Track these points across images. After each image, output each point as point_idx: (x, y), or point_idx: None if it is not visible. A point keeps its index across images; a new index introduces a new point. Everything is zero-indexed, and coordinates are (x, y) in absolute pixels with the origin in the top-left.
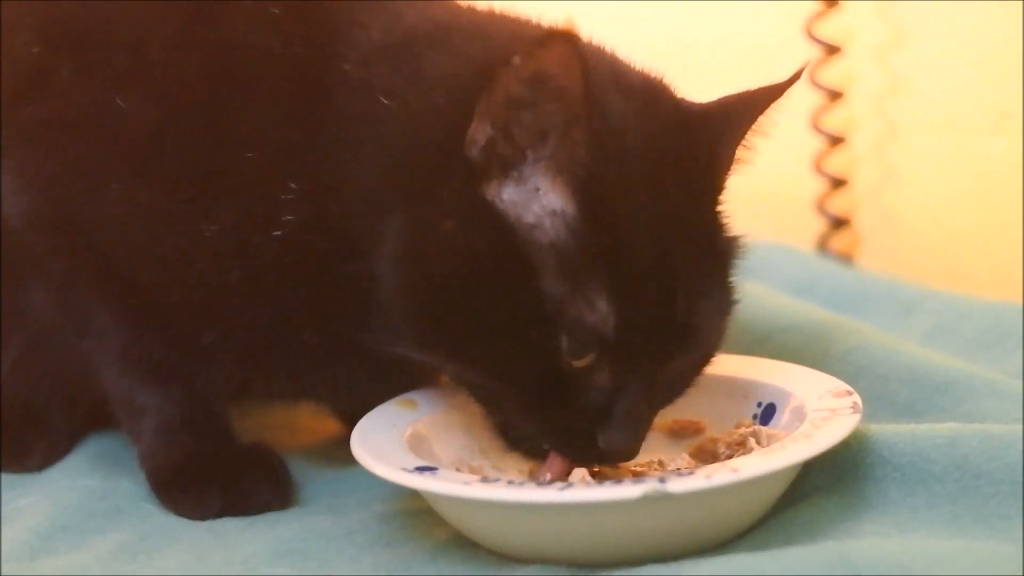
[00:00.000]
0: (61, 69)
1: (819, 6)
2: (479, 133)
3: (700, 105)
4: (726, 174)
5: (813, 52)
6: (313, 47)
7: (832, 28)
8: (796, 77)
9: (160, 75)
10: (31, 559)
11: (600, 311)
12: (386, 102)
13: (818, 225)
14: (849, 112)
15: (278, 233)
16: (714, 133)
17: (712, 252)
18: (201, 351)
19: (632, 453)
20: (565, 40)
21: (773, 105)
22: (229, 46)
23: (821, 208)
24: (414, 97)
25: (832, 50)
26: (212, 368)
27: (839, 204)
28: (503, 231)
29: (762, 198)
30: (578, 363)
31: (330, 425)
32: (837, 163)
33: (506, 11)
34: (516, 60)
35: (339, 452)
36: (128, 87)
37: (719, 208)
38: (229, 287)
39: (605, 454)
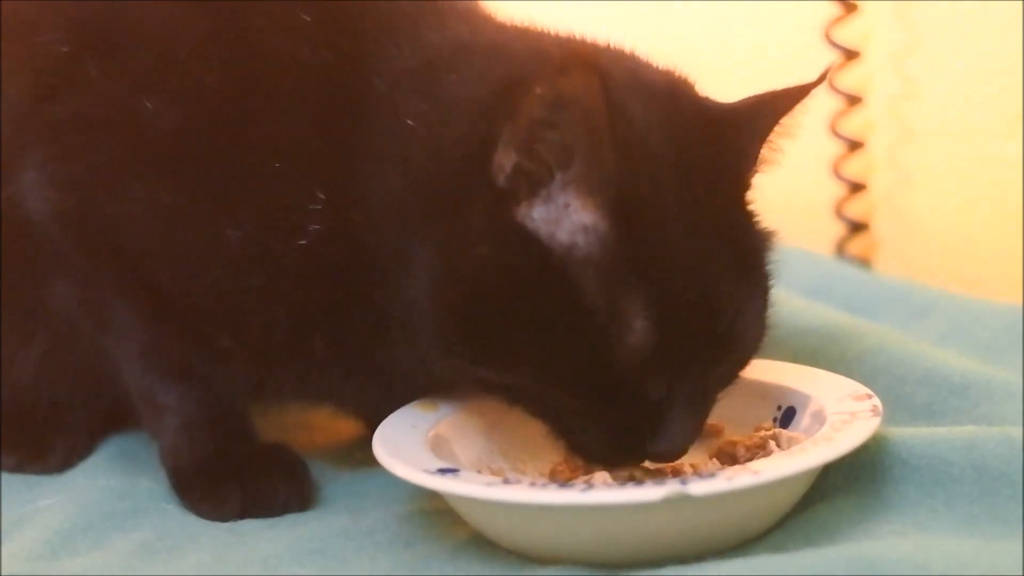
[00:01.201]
0: (89, 68)
1: (837, 11)
2: (505, 160)
3: (724, 104)
4: (753, 172)
5: (831, 57)
6: (343, 56)
7: (850, 33)
8: (822, 78)
9: (187, 77)
10: (52, 559)
11: (640, 327)
12: (411, 124)
13: (836, 229)
14: (867, 116)
15: (303, 242)
16: (740, 132)
17: (746, 252)
18: (219, 352)
19: (681, 455)
20: (584, 66)
21: (798, 105)
22: (258, 50)
23: (839, 212)
24: (437, 120)
25: (851, 55)
26: (229, 369)
27: (857, 208)
28: (538, 252)
29: (780, 202)
30: (625, 373)
31: (350, 426)
32: (855, 167)
33: (530, 25)
34: (537, 89)
35: (359, 452)
36: (155, 88)
37: (748, 205)
38: (248, 292)
39: (658, 456)
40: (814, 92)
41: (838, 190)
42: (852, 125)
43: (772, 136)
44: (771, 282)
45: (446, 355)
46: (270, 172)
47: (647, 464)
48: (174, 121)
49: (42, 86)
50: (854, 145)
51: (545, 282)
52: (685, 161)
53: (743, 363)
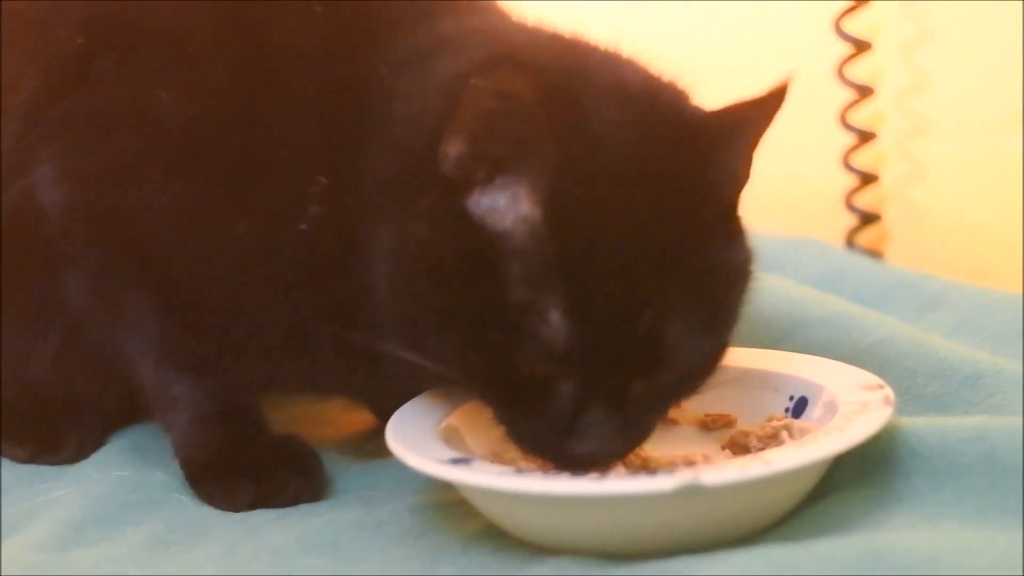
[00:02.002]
0: (103, 62)
1: (848, 3)
2: (451, 149)
3: (706, 114)
4: (735, 185)
5: (842, 48)
6: (353, 47)
7: (861, 25)
8: (783, 89)
9: (200, 70)
10: (64, 550)
11: (554, 322)
12: (400, 108)
13: (847, 220)
14: (878, 108)
15: (303, 227)
16: (717, 144)
17: (700, 270)
18: (231, 344)
19: (602, 462)
20: (513, 61)
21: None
22: (270, 43)
23: (850, 203)
24: (417, 105)
25: (862, 46)
26: (241, 361)
27: (868, 199)
28: (475, 239)
29: (792, 193)
30: (538, 372)
31: (361, 417)
32: (866, 159)
33: (539, 24)
34: (473, 81)
35: (370, 444)
36: (168, 81)
37: (725, 221)
38: (257, 282)
39: (578, 461)
40: (821, 85)
41: (849, 181)
42: (863, 117)
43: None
44: (737, 303)
45: (392, 340)
46: (278, 161)
47: (656, 455)
48: (187, 114)
49: (56, 81)
50: (865, 136)
51: (473, 269)
52: (643, 170)
53: (689, 379)
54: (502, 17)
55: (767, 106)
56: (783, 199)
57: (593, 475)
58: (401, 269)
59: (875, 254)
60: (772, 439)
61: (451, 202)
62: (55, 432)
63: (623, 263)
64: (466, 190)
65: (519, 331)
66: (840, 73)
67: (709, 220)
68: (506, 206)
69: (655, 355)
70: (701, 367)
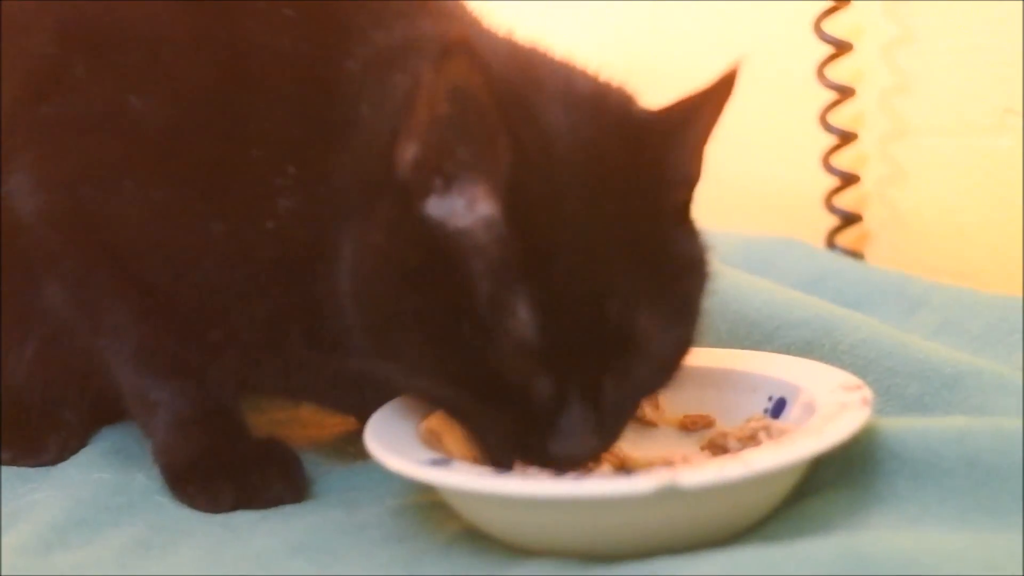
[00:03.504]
0: (76, 68)
1: (828, 3)
2: (406, 152)
3: (653, 113)
4: (689, 180)
5: (822, 49)
6: (324, 48)
7: (841, 25)
8: (731, 76)
9: (173, 74)
10: (46, 552)
11: (523, 317)
12: (365, 110)
13: (828, 221)
14: (859, 108)
15: (271, 224)
16: (666, 141)
17: (661, 261)
18: (209, 347)
19: (583, 459)
20: (462, 49)
21: (726, 105)
22: (242, 46)
23: (830, 204)
24: (379, 107)
25: (842, 47)
26: (220, 364)
27: (849, 200)
28: (433, 244)
29: (772, 194)
30: (511, 371)
31: (342, 420)
32: (847, 159)
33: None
34: (425, 77)
35: (352, 447)
36: (142, 86)
37: (678, 217)
38: (231, 285)
39: (558, 460)
40: (803, 86)
41: (830, 182)
42: (844, 117)
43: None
44: (697, 298)
45: (361, 345)
46: (250, 161)
47: (635, 457)
48: (161, 118)
49: (30, 87)
50: (846, 137)
51: (436, 273)
52: (595, 167)
53: (660, 371)
54: (471, 22)
55: (715, 96)
56: (764, 200)
57: (572, 476)
58: (362, 280)
59: (856, 255)
60: (751, 440)
61: (407, 209)
62: (36, 434)
63: (586, 255)
64: (423, 196)
65: (488, 330)
66: (821, 74)
67: (664, 214)
68: (464, 209)
69: (627, 345)
70: (670, 358)
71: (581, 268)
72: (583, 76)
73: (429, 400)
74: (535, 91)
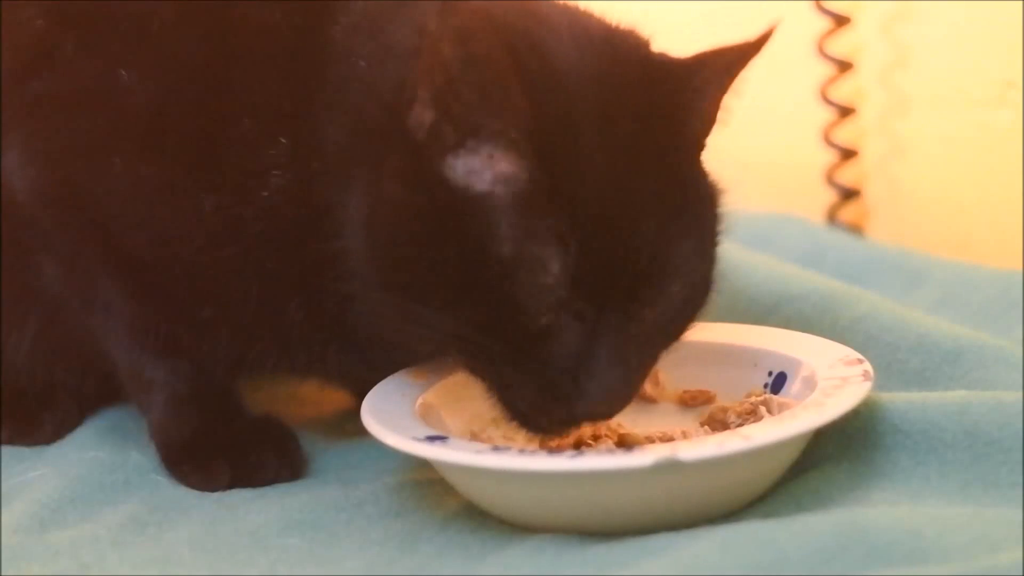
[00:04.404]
0: (65, 44)
1: None
2: (424, 115)
3: (673, 58)
4: (705, 128)
5: (821, 22)
6: (310, 15)
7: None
8: (768, 35)
9: (162, 49)
10: (41, 531)
11: (555, 270)
12: (358, 68)
13: (828, 196)
14: (858, 83)
15: (265, 194)
16: (686, 84)
17: (684, 198)
18: (202, 324)
19: (615, 410)
20: (481, 20)
21: (749, 64)
22: (230, 19)
23: (830, 179)
24: (379, 63)
25: (841, 21)
26: (214, 342)
27: (848, 175)
28: (455, 201)
29: (772, 169)
30: (540, 321)
31: (340, 397)
32: (846, 134)
33: None
34: (435, 36)
35: (348, 423)
36: (131, 62)
37: (694, 160)
38: (223, 261)
39: (585, 412)
40: (801, 60)
41: (829, 157)
42: (843, 91)
43: (727, 93)
44: (715, 237)
45: (378, 305)
46: (240, 133)
47: (634, 432)
48: (150, 92)
49: (20, 64)
50: (845, 111)
51: (461, 230)
52: (615, 108)
53: (680, 319)
54: None
55: (743, 51)
56: (764, 175)
57: (570, 452)
58: (379, 233)
59: (856, 230)
60: (751, 415)
61: (427, 167)
62: (32, 414)
63: (614, 198)
64: (439, 155)
65: (516, 283)
66: (820, 48)
67: (684, 155)
68: (482, 167)
69: (656, 281)
70: (693, 297)
71: (609, 213)
72: (593, 19)
73: (448, 357)
74: (545, 35)
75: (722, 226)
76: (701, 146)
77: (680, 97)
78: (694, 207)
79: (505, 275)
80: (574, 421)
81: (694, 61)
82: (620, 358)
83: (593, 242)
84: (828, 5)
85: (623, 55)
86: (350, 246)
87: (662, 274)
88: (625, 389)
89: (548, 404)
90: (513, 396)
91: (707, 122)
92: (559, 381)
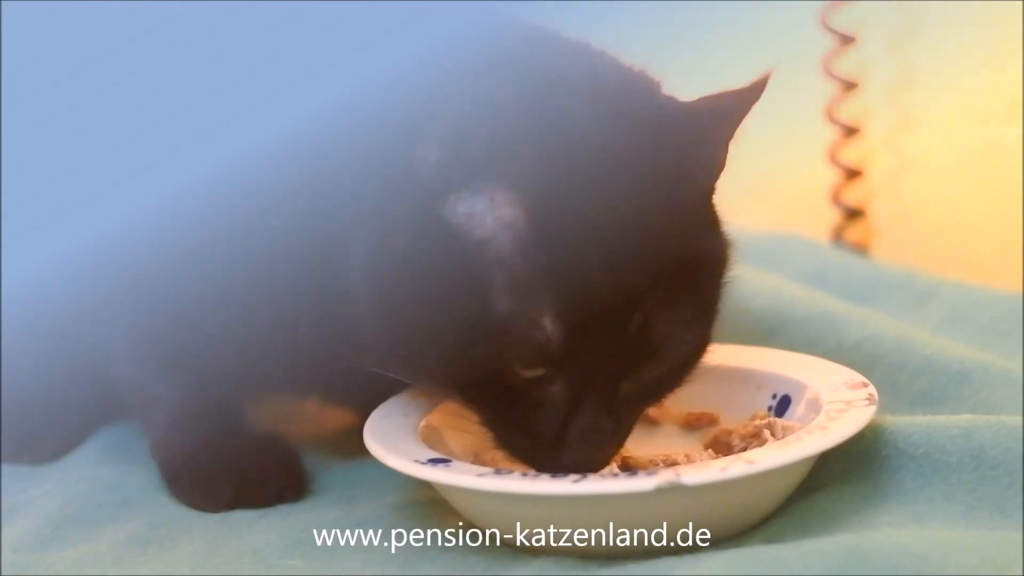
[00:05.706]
0: None
1: None
2: (429, 154)
3: (682, 105)
4: (713, 175)
5: (827, 42)
6: None
7: (846, 18)
8: (764, 82)
9: None
10: (42, 549)
11: (546, 330)
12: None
13: (833, 216)
14: (864, 102)
15: (276, 224)
16: (695, 134)
17: (684, 260)
18: (206, 342)
19: (597, 465)
20: (500, 66)
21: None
22: None
23: (836, 198)
24: (392, 109)
25: (847, 40)
26: (217, 359)
27: (854, 194)
28: (453, 248)
29: (777, 189)
30: (528, 377)
31: (342, 416)
32: (852, 153)
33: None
34: (455, 88)
35: (351, 443)
36: None
37: (703, 209)
38: (231, 281)
39: (571, 463)
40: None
41: (835, 176)
42: (849, 111)
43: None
44: (716, 292)
45: (372, 349)
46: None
47: (637, 455)
48: None
49: None
50: (851, 131)
51: (457, 279)
52: (621, 165)
53: (674, 375)
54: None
55: (745, 97)
56: (768, 195)
57: (573, 476)
58: (380, 284)
59: (862, 250)
60: (755, 438)
61: (427, 209)
62: (34, 431)
63: (611, 261)
64: (443, 195)
65: (509, 339)
66: (826, 67)
67: (689, 210)
68: (484, 210)
69: (646, 350)
70: (687, 360)
71: (607, 275)
72: (604, 61)
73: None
74: (555, 81)
75: (727, 279)
76: (711, 191)
77: (687, 147)
78: (695, 274)
79: (499, 327)
80: (561, 470)
81: (700, 106)
82: (606, 415)
83: (584, 310)
84: (834, 24)
85: (633, 106)
86: (350, 286)
87: (659, 341)
88: (610, 443)
89: (535, 452)
90: (503, 438)
91: (716, 168)
92: (546, 432)
